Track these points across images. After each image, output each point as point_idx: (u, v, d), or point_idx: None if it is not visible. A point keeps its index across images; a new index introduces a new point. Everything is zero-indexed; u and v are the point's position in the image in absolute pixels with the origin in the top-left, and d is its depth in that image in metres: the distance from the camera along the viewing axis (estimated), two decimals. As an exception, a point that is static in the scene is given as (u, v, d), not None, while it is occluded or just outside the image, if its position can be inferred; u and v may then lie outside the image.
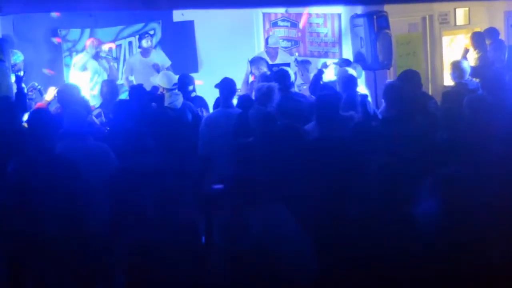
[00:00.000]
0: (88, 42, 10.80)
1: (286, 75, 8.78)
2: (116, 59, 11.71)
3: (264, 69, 10.12)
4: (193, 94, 9.21)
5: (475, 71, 9.70)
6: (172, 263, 4.54)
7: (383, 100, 8.29)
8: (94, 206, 5.84)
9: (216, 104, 8.70)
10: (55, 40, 11.28)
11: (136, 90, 8.52)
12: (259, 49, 12.38)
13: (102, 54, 10.65)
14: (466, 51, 11.17)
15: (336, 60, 10.61)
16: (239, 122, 7.43)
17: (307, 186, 5.84)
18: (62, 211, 5.54)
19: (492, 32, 11.41)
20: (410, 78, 8.23)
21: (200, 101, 9.21)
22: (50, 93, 8.72)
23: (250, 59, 10.61)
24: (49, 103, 8.64)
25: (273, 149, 6.26)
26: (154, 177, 5.39)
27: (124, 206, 5.49)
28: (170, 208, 4.69)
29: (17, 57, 9.63)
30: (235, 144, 6.43)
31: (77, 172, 5.90)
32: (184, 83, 9.15)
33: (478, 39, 11.21)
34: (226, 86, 8.10)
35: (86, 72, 10.48)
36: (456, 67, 9.06)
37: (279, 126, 6.62)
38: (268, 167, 6.05)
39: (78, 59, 10.67)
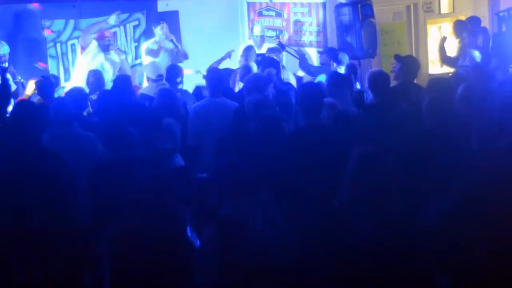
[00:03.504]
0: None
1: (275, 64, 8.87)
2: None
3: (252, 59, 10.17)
4: (179, 86, 9.17)
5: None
6: (156, 255, 4.54)
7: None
8: (79, 197, 5.83)
9: (196, 92, 8.70)
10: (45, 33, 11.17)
11: (121, 81, 8.49)
12: (244, 38, 12.39)
13: (112, 48, 10.59)
14: (444, 39, 11.19)
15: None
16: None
17: (292, 175, 5.85)
18: (47, 203, 5.51)
19: (473, 20, 11.43)
20: (412, 64, 8.32)
21: (184, 95, 9.18)
22: (30, 87, 8.70)
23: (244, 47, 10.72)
24: (30, 97, 8.63)
25: (257, 139, 6.28)
26: (138, 168, 5.39)
27: (107, 198, 5.49)
28: (154, 200, 4.68)
29: (3, 49, 9.60)
30: (221, 134, 6.43)
31: (63, 163, 5.88)
32: (173, 74, 9.13)
33: (460, 28, 11.24)
34: (214, 77, 8.10)
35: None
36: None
37: (259, 117, 6.61)
38: (254, 157, 6.07)
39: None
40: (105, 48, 10.40)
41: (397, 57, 8.85)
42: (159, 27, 11.15)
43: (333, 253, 4.50)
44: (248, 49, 10.50)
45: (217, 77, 8.09)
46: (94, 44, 10.48)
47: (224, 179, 4.75)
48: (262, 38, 11.55)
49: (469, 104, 6.52)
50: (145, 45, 11.27)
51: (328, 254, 4.53)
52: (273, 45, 11.39)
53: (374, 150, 4.55)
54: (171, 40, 11.13)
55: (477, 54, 9.36)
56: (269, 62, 9.28)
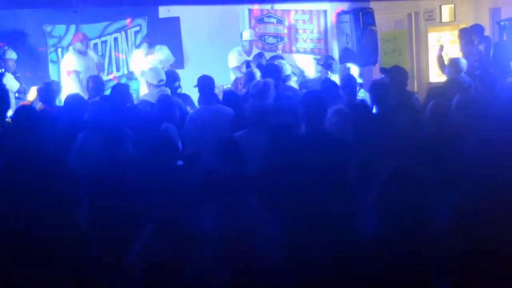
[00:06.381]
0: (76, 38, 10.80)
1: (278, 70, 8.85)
2: (102, 55, 11.70)
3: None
4: (179, 91, 9.21)
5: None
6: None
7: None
8: (80, 201, 5.85)
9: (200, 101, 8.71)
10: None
11: (120, 87, 8.51)
12: (245, 45, 12.39)
13: (89, 51, 10.66)
14: (441, 48, 11.21)
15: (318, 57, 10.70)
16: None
17: (295, 182, 5.85)
18: (49, 206, 5.51)
19: (476, 28, 11.45)
20: (399, 74, 8.32)
21: (186, 99, 9.19)
22: (32, 93, 8.74)
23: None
24: (31, 103, 8.65)
25: (269, 143, 6.30)
26: (138, 174, 5.42)
27: (104, 201, 5.51)
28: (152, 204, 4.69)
29: (8, 53, 9.69)
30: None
31: (64, 167, 5.89)
32: (171, 79, 9.15)
33: (465, 36, 11.25)
34: (205, 84, 8.12)
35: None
36: (454, 63, 9.18)
37: (275, 122, 6.62)
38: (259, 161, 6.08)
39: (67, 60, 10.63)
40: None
41: (382, 70, 8.87)
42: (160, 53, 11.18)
43: (330, 260, 4.50)
44: (260, 56, 10.54)
45: (208, 84, 8.12)
46: None
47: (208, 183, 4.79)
48: (251, 44, 11.58)
49: (467, 111, 6.55)
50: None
51: (326, 260, 4.53)
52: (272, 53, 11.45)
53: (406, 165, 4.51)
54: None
55: (463, 62, 9.36)
56: (271, 70, 9.24)
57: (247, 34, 11.61)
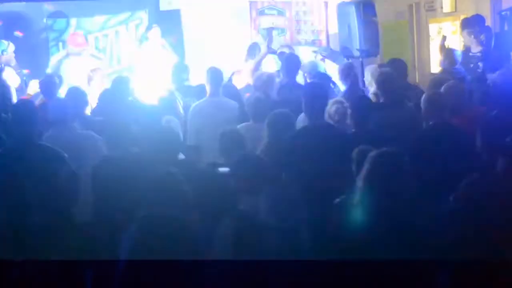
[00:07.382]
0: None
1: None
2: (103, 49, 11.70)
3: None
4: (186, 83, 9.16)
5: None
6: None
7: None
8: (79, 195, 5.86)
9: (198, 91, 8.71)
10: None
11: (121, 80, 8.51)
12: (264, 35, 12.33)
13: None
14: (444, 38, 11.19)
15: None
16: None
17: (297, 174, 5.86)
18: (46, 199, 5.52)
19: (476, 19, 11.41)
20: (398, 67, 8.31)
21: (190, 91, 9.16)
22: (33, 87, 8.74)
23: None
24: (31, 96, 8.67)
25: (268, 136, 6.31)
26: (140, 167, 5.42)
27: (109, 196, 5.51)
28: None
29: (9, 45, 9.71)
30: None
31: (62, 160, 5.90)
32: (179, 72, 9.13)
33: (466, 26, 11.22)
34: (214, 76, 8.10)
35: None
36: (448, 54, 9.18)
37: (272, 113, 6.62)
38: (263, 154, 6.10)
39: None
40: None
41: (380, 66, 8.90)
42: (151, 31, 11.15)
43: (333, 249, 4.51)
44: (253, 47, 10.52)
45: (217, 76, 8.10)
46: None
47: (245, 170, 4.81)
48: (270, 32, 11.55)
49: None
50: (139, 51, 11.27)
51: (328, 250, 4.54)
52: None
53: (391, 151, 4.51)
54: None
55: (458, 53, 9.36)
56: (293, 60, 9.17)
57: (265, 22, 11.60)
